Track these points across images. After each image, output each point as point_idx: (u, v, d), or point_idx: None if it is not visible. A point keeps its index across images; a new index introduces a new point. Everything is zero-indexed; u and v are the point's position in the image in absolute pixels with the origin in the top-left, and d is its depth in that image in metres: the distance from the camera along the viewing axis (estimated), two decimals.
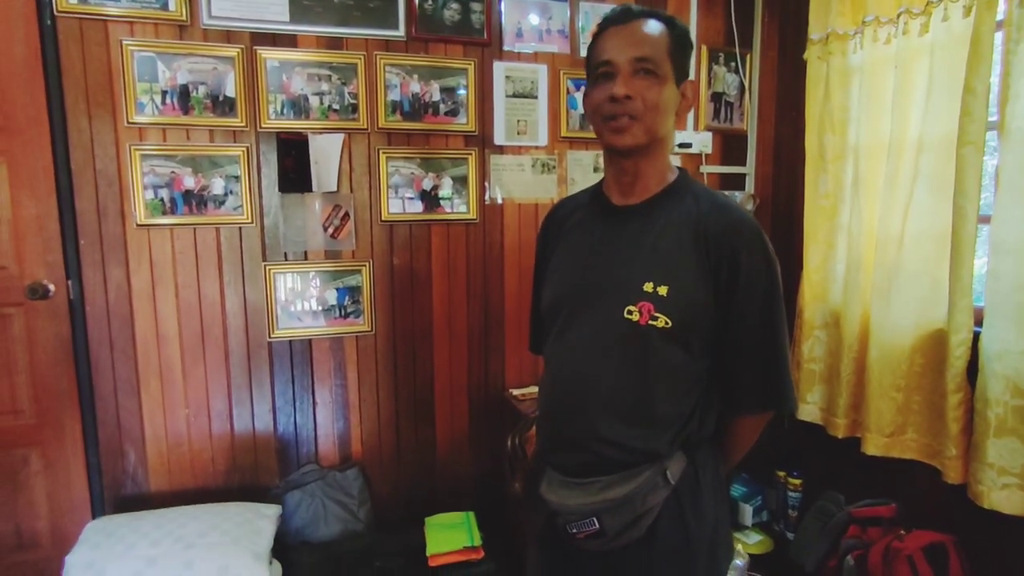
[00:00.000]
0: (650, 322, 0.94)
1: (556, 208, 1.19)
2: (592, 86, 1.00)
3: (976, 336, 1.60)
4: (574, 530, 0.98)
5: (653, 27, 0.96)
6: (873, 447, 1.86)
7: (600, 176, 1.13)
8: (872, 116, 1.93)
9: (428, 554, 1.83)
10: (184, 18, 1.83)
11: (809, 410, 2.14)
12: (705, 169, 2.36)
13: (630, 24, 0.97)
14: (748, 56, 2.40)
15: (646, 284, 0.95)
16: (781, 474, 2.29)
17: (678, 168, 1.05)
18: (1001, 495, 1.50)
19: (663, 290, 0.94)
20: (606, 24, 1.00)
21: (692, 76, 1.03)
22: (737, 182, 2.45)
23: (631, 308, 0.95)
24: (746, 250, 0.94)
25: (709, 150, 2.35)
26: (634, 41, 0.95)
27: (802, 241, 2.18)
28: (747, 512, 2.25)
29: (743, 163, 2.45)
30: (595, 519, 0.96)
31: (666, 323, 0.94)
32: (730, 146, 2.43)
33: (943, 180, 1.70)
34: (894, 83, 1.82)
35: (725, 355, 0.98)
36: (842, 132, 2.02)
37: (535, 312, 1.22)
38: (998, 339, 1.52)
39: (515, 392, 2.16)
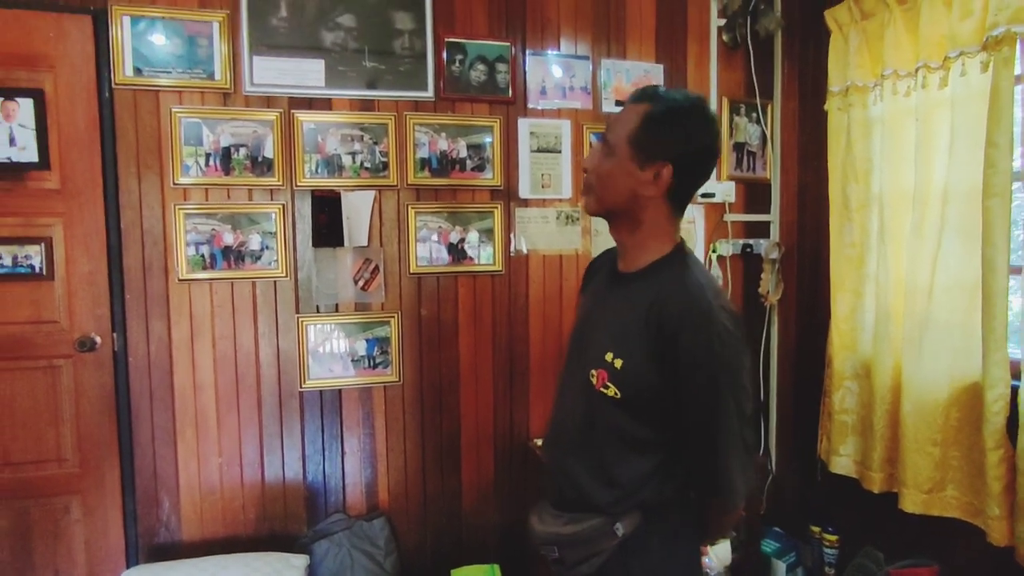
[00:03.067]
0: (602, 389, 1.00)
1: (595, 260, 1.28)
2: None
3: (1015, 390, 1.56)
4: (543, 553, 1.10)
5: (632, 110, 1.00)
6: (911, 504, 1.80)
7: None
8: (895, 166, 1.94)
9: None
10: (228, 86, 1.95)
11: (842, 463, 2.09)
12: (729, 218, 2.38)
13: (627, 105, 1.03)
14: (769, 106, 2.44)
15: (608, 353, 1.00)
16: (816, 529, 2.22)
17: (678, 243, 1.05)
18: None
19: (618, 363, 0.98)
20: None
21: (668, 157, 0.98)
22: (762, 230, 2.46)
23: (593, 372, 1.02)
24: (689, 335, 0.92)
25: (732, 199, 2.37)
26: (613, 119, 1.04)
27: (829, 289, 2.17)
28: (781, 569, 2.18)
29: (767, 211, 2.46)
30: (555, 548, 1.07)
31: (616, 393, 0.98)
32: (754, 195, 2.45)
33: (971, 230, 1.69)
34: (916, 135, 1.84)
35: (681, 430, 0.99)
36: (865, 182, 2.03)
37: None
38: None
39: (539, 442, 2.16)
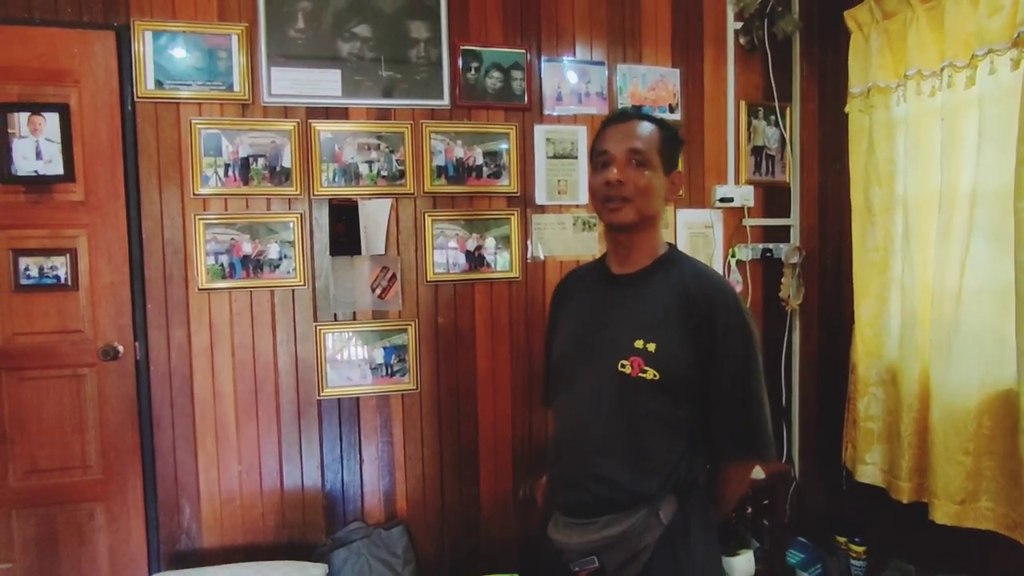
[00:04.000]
0: (640, 374, 1.07)
1: (565, 278, 1.37)
2: (593, 173, 1.19)
3: None
4: (576, 568, 1.10)
5: (645, 127, 1.14)
6: (942, 515, 1.75)
7: None
8: (920, 168, 1.89)
9: None
10: (247, 97, 1.97)
11: (869, 471, 2.04)
12: (748, 222, 2.35)
13: (627, 123, 1.15)
14: (788, 109, 2.41)
15: (637, 341, 1.09)
16: (842, 540, 2.17)
17: (668, 243, 1.21)
18: None
19: (652, 347, 1.08)
20: (607, 123, 1.19)
21: (680, 167, 1.22)
22: (781, 234, 2.42)
23: (624, 362, 1.09)
24: (723, 313, 1.08)
25: (751, 203, 2.34)
26: (629, 136, 1.13)
27: (852, 294, 2.12)
28: None
29: (787, 215, 2.42)
30: (595, 557, 1.08)
31: (654, 376, 1.07)
32: (773, 198, 2.42)
33: (1001, 233, 1.65)
34: (942, 135, 1.80)
35: (708, 406, 1.10)
36: (889, 185, 1.99)
37: (546, 369, 1.36)
38: None
39: None
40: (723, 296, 1.10)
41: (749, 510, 2.25)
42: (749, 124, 2.37)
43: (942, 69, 1.78)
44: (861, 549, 2.11)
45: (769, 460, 1.15)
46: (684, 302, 1.09)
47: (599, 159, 1.16)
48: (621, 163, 1.11)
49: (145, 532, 1.95)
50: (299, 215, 2.01)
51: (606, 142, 1.15)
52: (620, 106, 2.24)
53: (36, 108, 1.83)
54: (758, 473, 2.05)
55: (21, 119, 1.82)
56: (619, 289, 1.18)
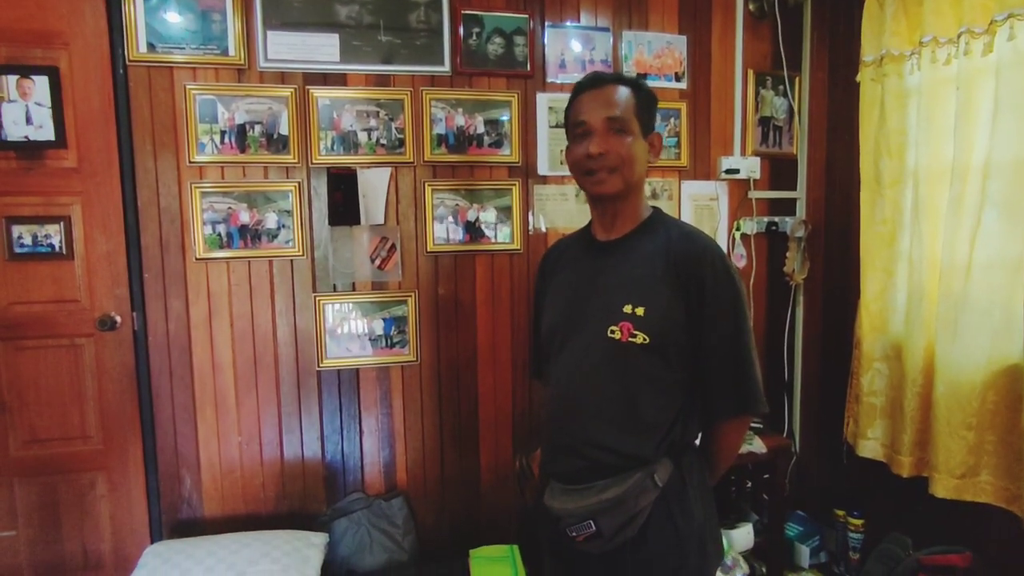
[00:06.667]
0: (630, 339, 1.07)
1: (551, 249, 1.36)
2: (572, 143, 1.16)
3: None
4: (574, 533, 1.08)
5: (621, 91, 1.11)
6: (942, 489, 1.75)
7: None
8: (932, 139, 1.85)
9: None
10: (242, 62, 1.92)
11: (870, 446, 2.03)
12: (754, 195, 2.31)
13: (602, 89, 1.12)
14: (797, 79, 2.35)
15: (625, 306, 1.08)
16: (840, 513, 2.17)
17: (652, 207, 1.20)
18: None
19: (640, 311, 1.07)
20: (580, 89, 1.15)
21: (658, 128, 1.22)
22: (787, 207, 2.38)
23: (613, 328, 1.08)
24: (710, 271, 1.07)
25: (757, 175, 2.29)
26: (605, 104, 1.10)
27: (858, 268, 2.10)
28: (804, 553, 2.14)
29: (794, 188, 2.38)
30: (592, 521, 1.06)
31: (644, 339, 1.06)
32: (779, 170, 2.37)
33: (1014, 205, 1.61)
34: (956, 105, 1.75)
35: (700, 365, 1.09)
36: (900, 156, 1.95)
37: (535, 341, 1.36)
38: None
39: None
40: (710, 255, 1.09)
41: (749, 484, 2.26)
42: (757, 94, 2.31)
43: (959, 36, 1.72)
44: (859, 522, 2.12)
45: (762, 414, 1.14)
46: (671, 263, 1.09)
47: (577, 130, 1.13)
48: (601, 132, 1.09)
49: (146, 501, 1.95)
50: (297, 184, 1.98)
51: (582, 112, 1.12)
52: (625, 73, 2.17)
53: (25, 71, 1.78)
54: (760, 447, 2.05)
55: (10, 82, 1.78)
56: (605, 256, 1.17)
